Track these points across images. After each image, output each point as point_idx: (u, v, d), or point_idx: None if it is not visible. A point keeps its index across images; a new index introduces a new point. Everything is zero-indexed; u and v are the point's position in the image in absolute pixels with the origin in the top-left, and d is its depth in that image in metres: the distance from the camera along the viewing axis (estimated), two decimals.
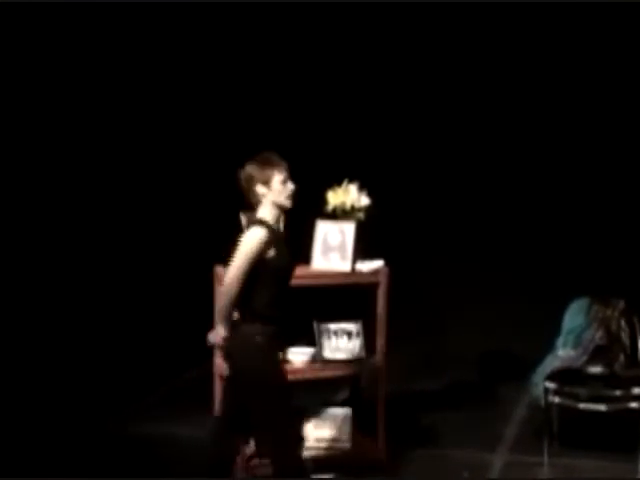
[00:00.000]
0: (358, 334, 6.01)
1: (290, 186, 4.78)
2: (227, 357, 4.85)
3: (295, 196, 4.81)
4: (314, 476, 5.50)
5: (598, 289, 6.58)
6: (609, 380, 6.11)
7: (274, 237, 4.70)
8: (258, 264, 4.65)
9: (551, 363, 6.33)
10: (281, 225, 4.96)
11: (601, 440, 6.26)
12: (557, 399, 6.04)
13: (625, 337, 6.36)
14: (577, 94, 8.07)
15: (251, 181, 4.75)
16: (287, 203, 4.80)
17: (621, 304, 6.43)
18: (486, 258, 8.23)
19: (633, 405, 5.95)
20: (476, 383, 7.70)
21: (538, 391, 6.20)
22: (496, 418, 6.83)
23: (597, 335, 6.38)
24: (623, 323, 6.40)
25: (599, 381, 6.11)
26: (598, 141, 8.12)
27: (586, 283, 6.94)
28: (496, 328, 7.98)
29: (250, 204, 4.85)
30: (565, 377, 6.12)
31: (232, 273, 4.66)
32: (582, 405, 6.01)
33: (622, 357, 6.29)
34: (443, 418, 6.81)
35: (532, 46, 8.12)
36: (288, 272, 4.82)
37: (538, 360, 6.51)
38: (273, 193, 4.74)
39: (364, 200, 5.93)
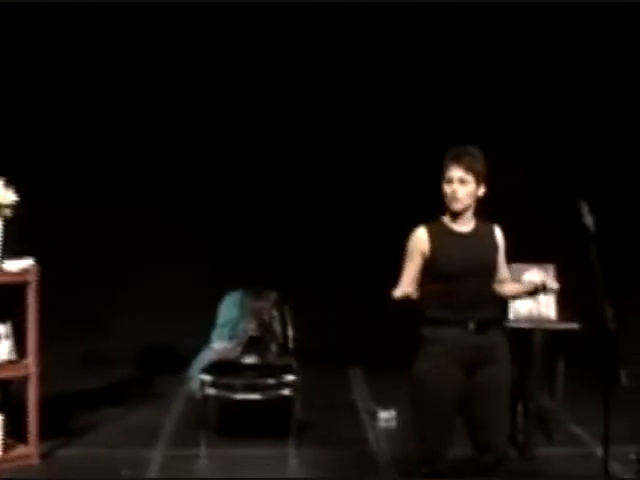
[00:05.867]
0: (7, 336, 5.80)
1: None
2: None
3: None
4: None
5: (251, 282, 6.75)
6: (263, 369, 6.28)
7: None
8: None
9: (207, 356, 6.43)
10: None
11: (257, 428, 6.43)
12: (213, 391, 6.12)
13: (277, 327, 6.57)
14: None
15: None
16: None
17: (273, 296, 6.66)
18: (142, 255, 8.20)
19: (286, 392, 6.14)
20: (134, 380, 7.68)
21: (195, 384, 6.27)
22: (154, 414, 6.84)
23: (250, 326, 6.54)
24: (275, 314, 6.61)
25: (253, 371, 6.26)
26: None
27: (239, 276, 7.10)
28: (153, 324, 7.99)
29: None
30: (221, 369, 6.22)
31: None
32: (238, 395, 6.13)
33: (274, 347, 6.50)
34: (102, 417, 6.71)
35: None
36: None
37: (195, 354, 6.59)
38: None
39: (11, 196, 5.72)
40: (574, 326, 6.05)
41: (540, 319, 6.06)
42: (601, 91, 8.16)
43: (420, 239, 4.57)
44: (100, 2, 7.84)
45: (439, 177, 4.57)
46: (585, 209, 4.51)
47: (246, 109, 8.30)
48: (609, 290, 4.39)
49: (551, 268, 6.06)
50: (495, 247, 4.62)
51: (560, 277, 5.92)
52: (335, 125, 8.32)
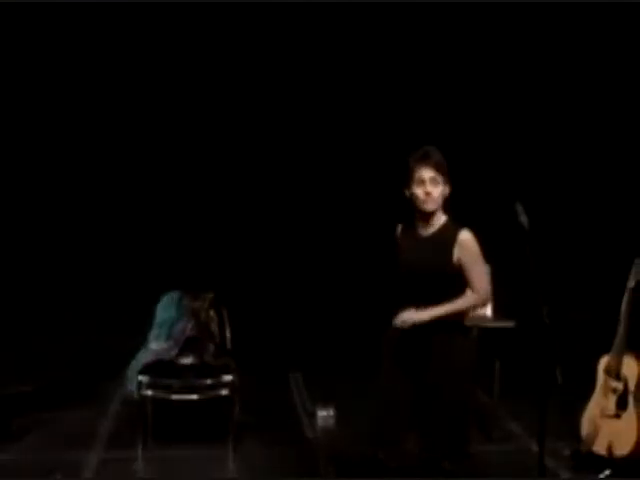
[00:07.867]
0: None
1: None
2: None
3: None
4: None
5: (188, 282, 6.72)
6: (200, 370, 6.24)
7: None
8: None
9: (144, 357, 6.37)
10: None
11: (195, 429, 6.39)
12: (150, 392, 6.07)
13: (214, 327, 6.55)
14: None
15: None
16: None
17: (210, 296, 6.63)
18: (78, 254, 8.12)
19: (223, 392, 6.12)
20: (70, 381, 7.58)
21: (132, 385, 6.21)
22: (91, 416, 6.77)
23: (188, 327, 6.51)
24: (212, 314, 6.59)
25: (191, 371, 6.22)
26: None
27: (176, 277, 7.06)
28: (89, 324, 7.92)
29: None
30: (158, 369, 6.17)
31: None
32: (175, 396, 6.10)
33: (212, 347, 6.47)
34: (36, 420, 6.63)
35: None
36: None
37: (132, 354, 6.52)
38: None
39: None
40: (510, 324, 6.11)
41: (476, 317, 6.10)
42: (535, 94, 8.25)
43: (395, 236, 4.83)
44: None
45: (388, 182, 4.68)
46: (520, 209, 4.59)
47: (179, 111, 8.24)
48: (544, 288, 4.45)
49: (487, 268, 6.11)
50: (450, 252, 4.64)
51: (496, 276, 5.99)
52: (271, 125, 8.31)
